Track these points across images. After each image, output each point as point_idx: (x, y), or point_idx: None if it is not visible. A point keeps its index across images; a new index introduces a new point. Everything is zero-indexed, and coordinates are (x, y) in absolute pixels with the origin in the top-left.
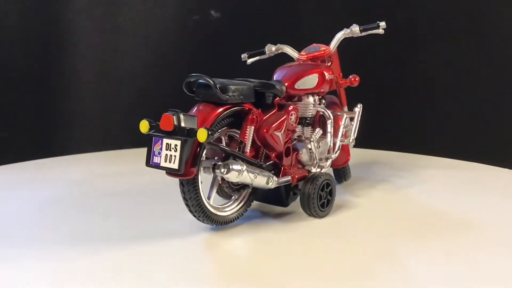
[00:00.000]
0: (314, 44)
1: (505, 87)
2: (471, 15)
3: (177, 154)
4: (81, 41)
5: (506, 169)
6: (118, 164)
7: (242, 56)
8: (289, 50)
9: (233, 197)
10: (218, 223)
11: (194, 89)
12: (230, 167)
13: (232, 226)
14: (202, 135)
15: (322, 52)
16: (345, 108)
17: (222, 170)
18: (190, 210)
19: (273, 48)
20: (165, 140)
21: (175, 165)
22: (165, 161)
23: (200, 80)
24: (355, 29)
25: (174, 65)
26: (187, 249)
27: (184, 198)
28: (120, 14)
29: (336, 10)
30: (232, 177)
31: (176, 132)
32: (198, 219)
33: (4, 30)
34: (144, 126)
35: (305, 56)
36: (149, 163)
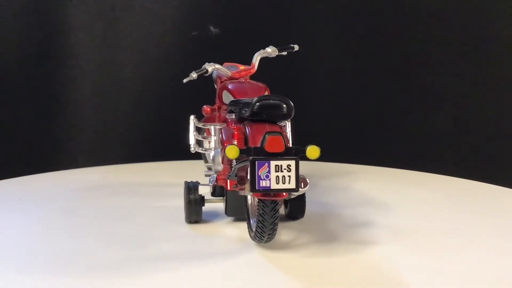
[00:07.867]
0: (227, 63)
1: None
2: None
3: (292, 173)
4: (80, 55)
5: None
6: (118, 178)
7: (193, 75)
8: (223, 69)
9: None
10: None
11: (255, 110)
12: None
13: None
14: (315, 152)
15: (250, 71)
16: None
17: (304, 185)
18: (262, 232)
19: (212, 67)
20: (273, 162)
21: (291, 185)
22: (277, 183)
23: (277, 101)
24: (270, 50)
25: (173, 80)
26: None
27: (264, 219)
28: (119, 29)
29: (337, 27)
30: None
31: (286, 152)
32: (262, 239)
33: (3, 44)
34: (234, 151)
35: (237, 74)
36: (255, 188)
